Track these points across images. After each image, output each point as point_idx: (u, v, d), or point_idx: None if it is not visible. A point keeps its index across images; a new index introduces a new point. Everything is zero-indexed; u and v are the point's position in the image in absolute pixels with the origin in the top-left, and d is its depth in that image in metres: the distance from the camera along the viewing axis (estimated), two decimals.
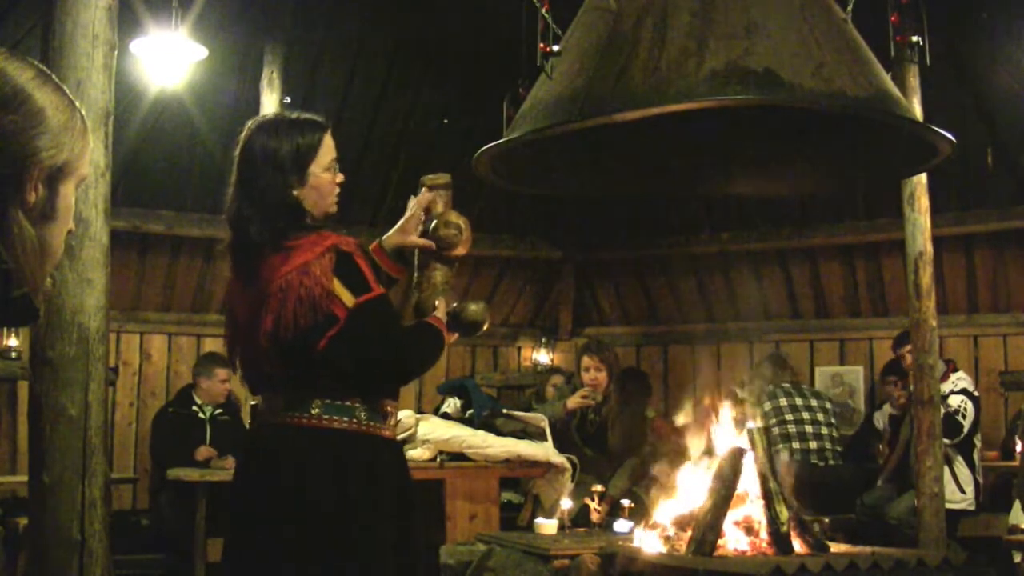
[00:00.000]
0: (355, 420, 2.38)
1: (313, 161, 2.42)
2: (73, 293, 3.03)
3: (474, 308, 2.58)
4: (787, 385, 6.20)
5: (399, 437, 4.87)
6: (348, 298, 2.31)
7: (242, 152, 2.48)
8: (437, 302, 2.53)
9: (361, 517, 2.35)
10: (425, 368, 2.56)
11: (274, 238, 2.38)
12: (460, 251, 2.59)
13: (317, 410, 2.36)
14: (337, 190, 2.48)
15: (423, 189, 2.62)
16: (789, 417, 6.01)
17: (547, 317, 8.64)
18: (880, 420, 6.57)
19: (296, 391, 2.39)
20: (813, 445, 5.95)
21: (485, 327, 2.62)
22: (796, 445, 5.92)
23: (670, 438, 6.07)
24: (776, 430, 5.96)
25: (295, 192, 2.40)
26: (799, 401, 6.08)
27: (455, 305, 2.56)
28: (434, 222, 2.56)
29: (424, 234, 2.55)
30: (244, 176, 2.45)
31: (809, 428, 5.99)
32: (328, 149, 2.46)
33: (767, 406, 6.05)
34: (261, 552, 2.37)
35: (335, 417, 2.36)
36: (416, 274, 2.60)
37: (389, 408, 2.46)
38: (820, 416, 6.05)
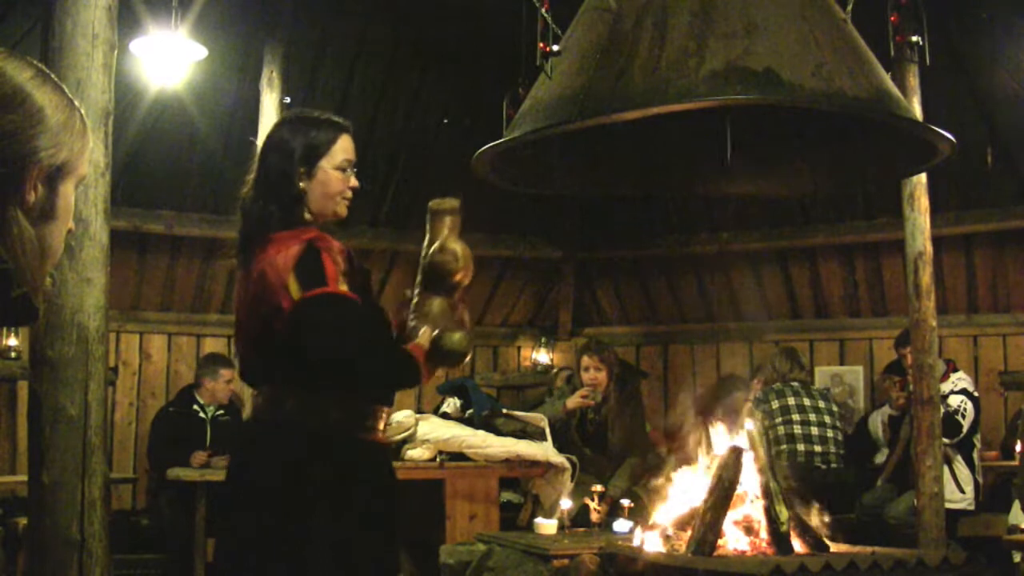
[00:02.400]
0: (326, 420, 2.36)
1: (324, 157, 2.45)
2: (73, 293, 3.03)
3: (454, 338, 2.45)
4: (796, 384, 6.09)
5: (398, 437, 4.89)
6: (296, 291, 2.27)
7: (264, 142, 2.55)
8: (422, 330, 2.45)
9: (321, 518, 2.31)
10: (383, 383, 2.48)
11: (265, 222, 2.41)
12: (458, 278, 2.51)
13: (289, 407, 2.36)
14: (348, 193, 2.48)
15: (429, 214, 2.57)
16: (796, 417, 5.94)
17: (547, 317, 8.64)
18: (877, 422, 6.56)
19: (272, 387, 2.41)
20: (818, 448, 5.89)
21: (467, 358, 2.53)
22: (801, 447, 5.86)
23: (662, 448, 6.06)
24: (782, 429, 5.90)
25: (301, 184, 2.44)
26: (807, 402, 6.00)
27: (436, 332, 2.45)
28: (432, 247, 2.50)
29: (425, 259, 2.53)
30: (259, 163, 2.51)
31: (815, 430, 5.92)
32: (343, 150, 2.47)
33: (775, 404, 5.98)
34: (231, 549, 2.42)
35: (306, 415, 2.36)
36: (415, 300, 2.54)
37: (373, 411, 2.43)
38: (827, 419, 5.96)
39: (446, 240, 2.49)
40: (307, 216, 2.44)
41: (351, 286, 2.31)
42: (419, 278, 2.55)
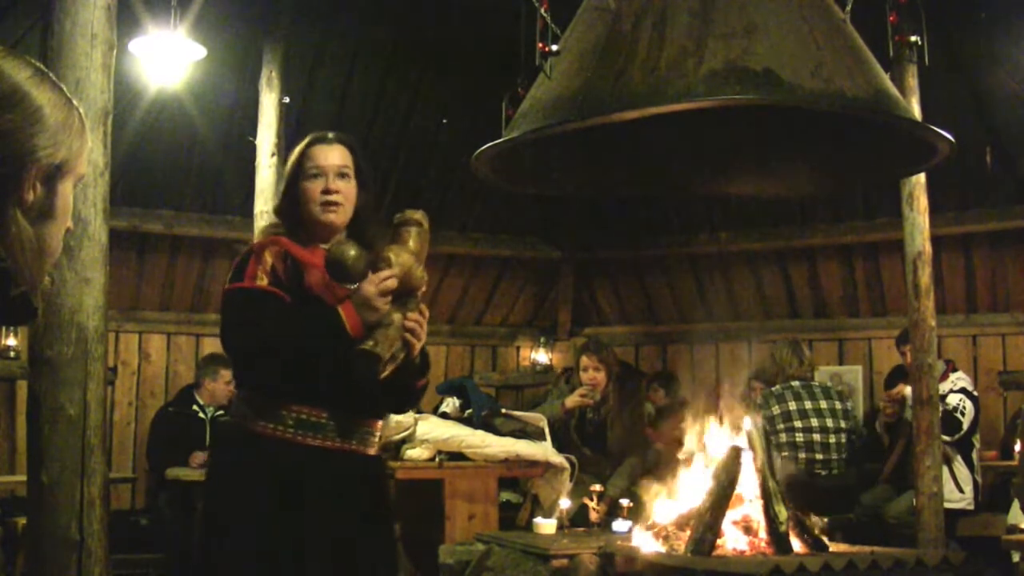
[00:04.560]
0: (237, 414, 2.54)
1: (300, 171, 2.60)
2: (72, 292, 3.03)
3: (347, 251, 2.39)
4: (796, 384, 5.93)
5: (397, 437, 4.89)
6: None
7: None
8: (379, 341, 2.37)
9: (210, 506, 2.56)
10: (282, 366, 2.40)
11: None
12: (398, 280, 2.39)
13: (231, 406, 2.63)
14: (321, 198, 2.55)
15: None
16: (798, 424, 5.78)
17: (546, 317, 8.64)
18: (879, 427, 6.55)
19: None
20: (819, 456, 5.79)
21: (356, 263, 2.39)
22: (802, 455, 5.76)
23: (660, 445, 6.04)
24: (784, 436, 5.75)
25: (289, 202, 2.62)
26: (808, 404, 5.84)
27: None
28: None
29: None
30: None
31: (817, 436, 5.80)
32: (308, 158, 2.60)
33: (775, 409, 5.84)
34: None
35: (235, 412, 2.57)
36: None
37: (288, 406, 2.43)
38: (829, 422, 5.80)
39: (389, 249, 2.43)
40: (300, 228, 2.58)
41: (276, 281, 2.43)
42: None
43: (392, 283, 2.39)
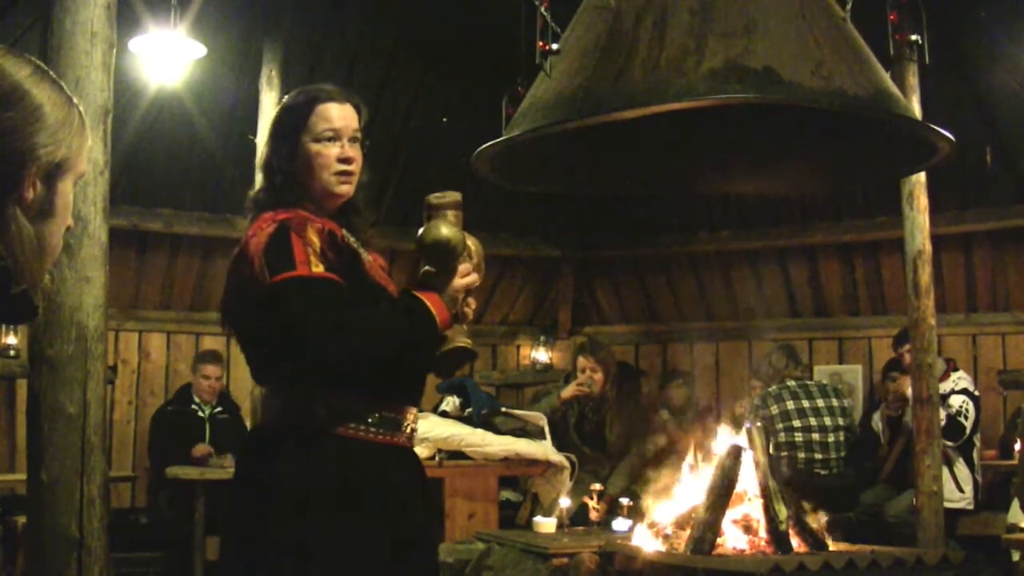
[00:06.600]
0: (309, 418, 2.16)
1: (303, 131, 2.28)
2: (72, 291, 3.03)
3: (440, 231, 2.19)
4: (793, 384, 5.93)
5: None
6: (265, 277, 2.11)
7: None
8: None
9: (283, 522, 2.12)
10: (367, 360, 2.13)
11: (258, 206, 2.29)
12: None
13: (276, 407, 2.22)
14: (337, 167, 2.26)
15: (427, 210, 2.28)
16: (797, 423, 5.79)
17: (546, 316, 8.64)
18: (877, 421, 6.55)
19: (266, 387, 2.28)
20: (819, 456, 5.79)
21: (455, 246, 2.21)
22: (802, 455, 5.77)
23: (661, 440, 6.05)
24: (783, 436, 5.76)
25: (283, 164, 2.28)
26: (806, 404, 5.85)
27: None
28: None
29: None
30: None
31: (816, 436, 5.80)
32: (322, 119, 2.27)
33: (774, 409, 5.83)
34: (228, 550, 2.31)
35: (290, 414, 2.19)
36: None
37: (372, 405, 2.19)
38: (827, 421, 5.81)
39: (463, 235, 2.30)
40: (303, 197, 2.26)
41: (330, 266, 2.13)
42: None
43: (475, 278, 2.25)
